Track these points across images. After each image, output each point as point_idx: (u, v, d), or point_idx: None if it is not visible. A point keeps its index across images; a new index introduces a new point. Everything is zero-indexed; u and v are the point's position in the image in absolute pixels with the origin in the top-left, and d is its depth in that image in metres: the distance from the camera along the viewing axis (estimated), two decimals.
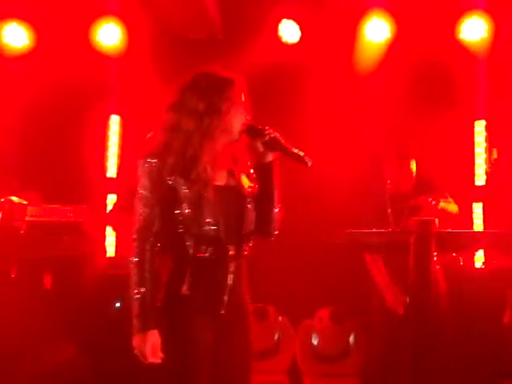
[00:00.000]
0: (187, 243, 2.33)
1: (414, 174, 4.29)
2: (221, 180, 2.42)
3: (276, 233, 2.55)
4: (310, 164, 2.42)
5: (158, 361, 2.28)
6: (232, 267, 2.37)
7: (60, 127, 5.55)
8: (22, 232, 3.98)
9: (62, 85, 5.47)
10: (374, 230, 4.23)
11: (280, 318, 5.07)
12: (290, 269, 5.16)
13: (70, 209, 4.26)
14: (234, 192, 2.42)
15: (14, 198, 4.03)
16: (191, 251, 2.33)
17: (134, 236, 2.34)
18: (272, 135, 2.44)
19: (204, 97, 2.36)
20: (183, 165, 2.34)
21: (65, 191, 4.92)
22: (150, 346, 2.26)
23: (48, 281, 4.19)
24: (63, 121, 5.56)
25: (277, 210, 2.52)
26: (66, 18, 5.42)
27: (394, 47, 5.42)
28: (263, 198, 2.48)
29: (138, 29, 5.55)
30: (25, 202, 4.03)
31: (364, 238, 4.20)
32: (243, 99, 2.43)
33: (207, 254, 2.34)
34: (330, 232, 4.09)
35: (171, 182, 2.34)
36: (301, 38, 5.39)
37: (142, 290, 2.28)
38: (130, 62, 5.54)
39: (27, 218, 3.99)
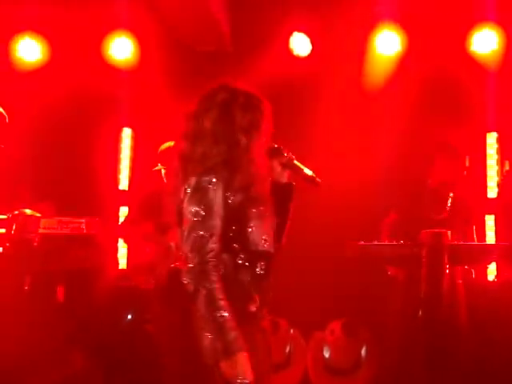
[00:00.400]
0: (241, 261, 2.28)
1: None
2: None
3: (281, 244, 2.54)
4: (320, 185, 2.47)
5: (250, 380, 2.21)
6: (271, 280, 2.38)
7: (73, 140, 5.61)
8: (35, 244, 3.98)
9: (74, 98, 5.56)
10: (386, 243, 4.25)
11: (291, 331, 5.07)
12: (302, 281, 5.16)
13: (82, 221, 4.26)
14: (270, 207, 2.40)
15: (28, 211, 4.04)
16: (250, 268, 2.29)
17: (196, 258, 2.22)
18: (289, 156, 2.48)
19: (247, 112, 2.30)
20: (244, 182, 2.27)
21: (77, 203, 4.96)
22: (243, 366, 2.19)
23: (61, 293, 4.20)
24: (76, 133, 5.63)
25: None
26: (78, 31, 5.50)
27: (404, 60, 5.44)
28: (278, 214, 2.47)
29: (149, 42, 5.64)
30: (38, 215, 4.04)
31: (376, 250, 4.24)
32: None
33: (263, 271, 2.31)
34: (342, 245, 4.15)
35: (231, 200, 2.27)
36: (312, 50, 5.43)
37: (224, 313, 2.19)
38: (142, 75, 5.61)
39: (40, 231, 3.99)
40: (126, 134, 5.95)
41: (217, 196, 2.23)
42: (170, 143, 4.35)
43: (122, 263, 5.52)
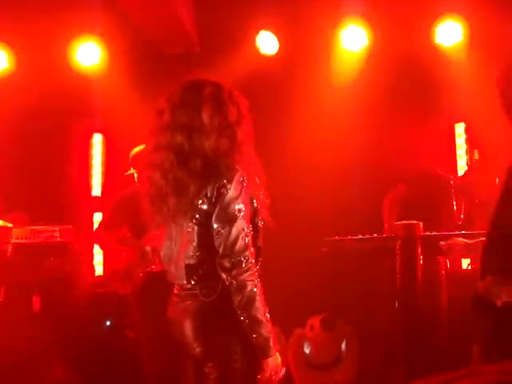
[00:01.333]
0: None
1: None
2: None
3: None
4: None
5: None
6: None
7: (43, 148, 5.57)
8: (8, 255, 3.97)
9: (43, 106, 5.51)
10: (360, 237, 4.30)
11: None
12: (280, 279, 5.13)
13: (55, 229, 4.26)
14: None
15: None
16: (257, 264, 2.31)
17: (243, 255, 2.18)
18: None
19: (234, 105, 2.29)
20: (251, 177, 2.28)
21: (50, 212, 4.93)
22: (281, 359, 2.28)
23: (37, 303, 4.18)
24: (46, 141, 5.59)
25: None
26: (44, 38, 5.45)
27: (371, 55, 5.49)
28: None
29: (117, 47, 5.61)
30: (10, 225, 4.03)
31: (351, 244, 4.29)
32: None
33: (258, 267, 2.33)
34: (318, 241, 4.20)
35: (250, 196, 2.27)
36: (279, 48, 5.46)
37: (267, 311, 2.25)
38: (111, 80, 5.58)
39: (13, 241, 3.98)
40: (97, 139, 5.93)
41: (247, 192, 2.24)
42: (142, 147, 4.35)
43: (99, 270, 5.50)
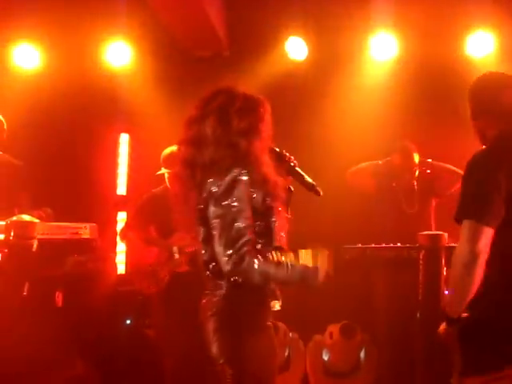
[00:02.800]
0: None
1: None
2: None
3: None
4: (321, 194, 2.52)
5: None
6: None
7: (71, 146, 5.66)
8: (33, 250, 4.00)
9: (72, 105, 5.60)
10: (383, 245, 4.28)
11: (290, 334, 5.07)
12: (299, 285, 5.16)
13: (80, 226, 4.29)
14: (285, 205, 2.51)
15: (25, 217, 4.05)
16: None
17: (233, 250, 2.25)
18: (292, 161, 2.56)
19: (244, 116, 2.37)
20: (260, 179, 2.36)
21: (76, 209, 4.98)
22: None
23: (59, 298, 4.22)
24: (74, 140, 5.67)
25: None
26: (76, 38, 5.54)
27: (400, 63, 5.46)
28: None
29: (147, 48, 5.66)
30: (36, 220, 4.06)
31: (373, 253, 4.27)
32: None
33: None
34: (340, 248, 4.19)
35: (254, 196, 2.34)
36: (308, 54, 5.47)
37: (284, 260, 2.34)
38: (139, 81, 5.63)
39: (38, 236, 4.00)
40: (124, 139, 5.98)
41: (247, 190, 2.31)
42: (173, 148, 4.38)
43: (121, 268, 5.54)
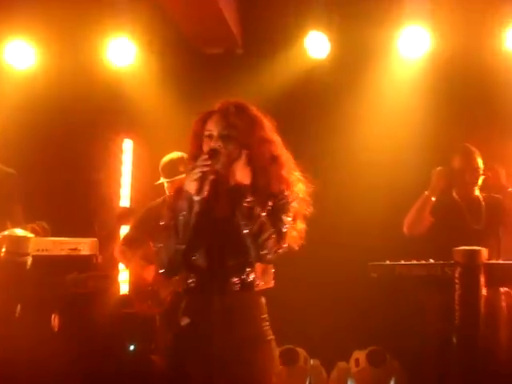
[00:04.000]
0: None
1: None
2: None
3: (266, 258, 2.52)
4: None
5: None
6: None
7: (69, 153, 5.63)
8: (27, 268, 3.96)
9: (70, 108, 5.60)
10: (414, 262, 4.17)
11: (311, 361, 5.07)
12: (322, 306, 5.12)
13: (79, 241, 4.24)
14: None
15: (19, 231, 4.01)
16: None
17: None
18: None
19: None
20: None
21: (74, 222, 4.92)
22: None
23: (56, 321, 4.16)
24: (73, 146, 5.63)
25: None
26: (74, 34, 5.52)
27: (431, 60, 5.36)
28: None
29: (153, 46, 5.64)
30: (30, 235, 4.00)
31: (403, 270, 4.17)
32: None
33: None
34: (366, 265, 4.12)
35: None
36: (330, 51, 5.38)
37: None
38: (144, 82, 5.60)
39: (33, 253, 3.95)
40: (128, 146, 5.93)
41: None
42: (173, 155, 4.32)
43: (124, 288, 5.47)
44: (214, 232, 2.51)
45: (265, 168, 2.54)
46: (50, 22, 5.41)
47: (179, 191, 2.55)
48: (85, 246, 4.24)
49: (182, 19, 5.31)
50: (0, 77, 5.58)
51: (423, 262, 4.16)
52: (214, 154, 2.48)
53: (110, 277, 4.90)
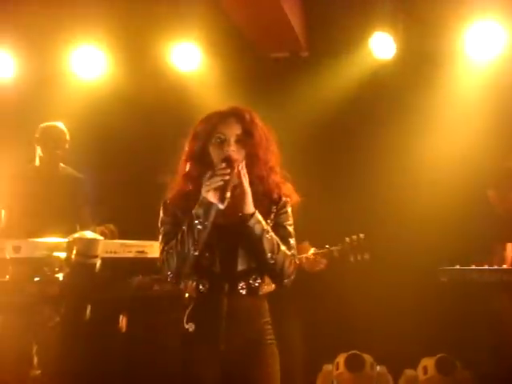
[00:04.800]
0: None
1: None
2: None
3: (285, 282, 2.62)
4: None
5: None
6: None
7: (136, 158, 5.75)
8: (96, 270, 4.07)
9: (137, 114, 5.71)
10: (486, 267, 4.10)
11: (378, 368, 5.00)
12: (390, 310, 5.05)
13: (146, 244, 4.31)
14: None
15: (88, 233, 4.12)
16: None
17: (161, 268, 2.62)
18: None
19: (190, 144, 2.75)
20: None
21: (141, 225, 5.01)
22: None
23: (124, 323, 4.25)
24: (140, 152, 5.76)
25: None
26: (142, 42, 5.64)
27: (505, 62, 5.21)
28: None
29: (217, 51, 5.71)
30: (99, 238, 4.11)
31: (475, 276, 4.10)
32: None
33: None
34: (435, 270, 4.09)
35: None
36: (396, 52, 5.33)
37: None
38: (209, 87, 5.66)
39: (102, 255, 4.05)
40: None
41: None
42: None
43: None
44: (225, 237, 2.55)
45: (263, 176, 2.61)
46: (115, 29, 5.56)
47: (182, 197, 2.61)
48: (151, 248, 4.31)
49: (247, 24, 5.38)
50: (70, 83, 5.77)
51: (496, 267, 4.12)
52: (231, 160, 2.49)
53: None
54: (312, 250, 4.30)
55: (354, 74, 5.34)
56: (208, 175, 2.48)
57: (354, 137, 5.44)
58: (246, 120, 2.58)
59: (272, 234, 2.54)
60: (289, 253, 2.58)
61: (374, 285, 5.04)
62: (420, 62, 5.35)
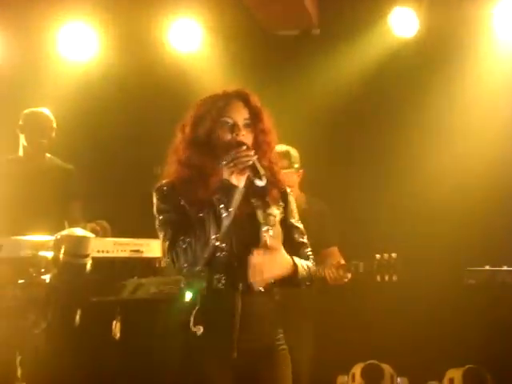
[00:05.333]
0: None
1: None
2: None
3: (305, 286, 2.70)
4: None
5: None
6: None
7: (131, 147, 5.73)
8: (87, 270, 4.01)
9: (132, 98, 5.66)
10: None
11: (398, 380, 5.01)
12: (412, 316, 5.02)
13: (142, 243, 4.28)
14: None
15: (78, 230, 4.05)
16: None
17: (171, 256, 2.59)
18: None
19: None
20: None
21: (136, 221, 4.96)
22: None
23: (118, 330, 4.20)
24: (135, 140, 5.73)
25: None
26: (138, 20, 5.58)
27: None
28: None
29: (220, 30, 5.66)
30: (90, 235, 4.04)
31: (505, 277, 4.04)
32: None
33: None
34: (461, 271, 4.04)
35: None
36: (418, 30, 5.26)
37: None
38: (212, 70, 5.62)
39: (93, 254, 3.98)
40: None
41: None
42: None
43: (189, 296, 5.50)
44: (240, 227, 2.56)
45: (272, 163, 2.66)
46: (105, 1, 5.49)
47: (183, 184, 2.60)
48: (148, 247, 4.29)
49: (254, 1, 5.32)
50: (54, 66, 5.70)
51: None
52: (244, 145, 2.54)
53: (175, 282, 4.93)
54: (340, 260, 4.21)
55: (371, 54, 5.31)
56: (230, 157, 2.49)
57: (370, 124, 5.45)
58: (253, 103, 2.62)
59: (308, 263, 2.66)
60: (312, 264, 2.69)
61: (394, 287, 4.98)
62: (445, 41, 5.29)
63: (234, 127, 2.56)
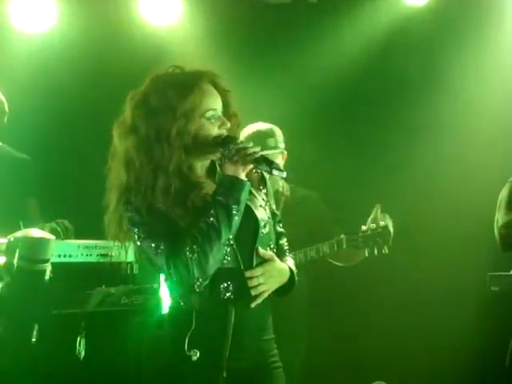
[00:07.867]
0: None
1: None
2: None
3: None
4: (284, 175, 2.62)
5: None
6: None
7: (96, 135, 5.56)
8: (45, 278, 4.01)
9: (98, 80, 5.69)
10: None
11: None
12: (426, 328, 5.14)
13: (111, 245, 4.28)
14: None
15: (35, 231, 4.06)
16: None
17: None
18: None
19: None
20: None
21: (103, 221, 4.99)
22: None
23: (82, 346, 4.20)
24: (101, 128, 5.57)
25: None
26: None
27: None
28: None
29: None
30: (50, 237, 4.06)
31: None
32: None
33: None
34: (485, 275, 4.16)
35: None
36: None
37: None
38: (192, 44, 5.65)
39: (54, 259, 4.01)
40: None
41: None
42: (260, 126, 4.43)
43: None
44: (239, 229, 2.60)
45: None
46: None
47: (164, 192, 2.62)
48: (118, 250, 4.29)
49: None
50: (6, 40, 5.68)
51: None
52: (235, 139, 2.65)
53: (150, 291, 4.95)
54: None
55: (377, 24, 5.41)
56: (231, 152, 2.55)
57: (376, 103, 5.48)
58: (224, 89, 2.70)
59: (293, 262, 2.84)
60: (292, 259, 2.91)
61: (406, 296, 5.03)
62: (462, 9, 5.37)
63: (219, 119, 2.63)
